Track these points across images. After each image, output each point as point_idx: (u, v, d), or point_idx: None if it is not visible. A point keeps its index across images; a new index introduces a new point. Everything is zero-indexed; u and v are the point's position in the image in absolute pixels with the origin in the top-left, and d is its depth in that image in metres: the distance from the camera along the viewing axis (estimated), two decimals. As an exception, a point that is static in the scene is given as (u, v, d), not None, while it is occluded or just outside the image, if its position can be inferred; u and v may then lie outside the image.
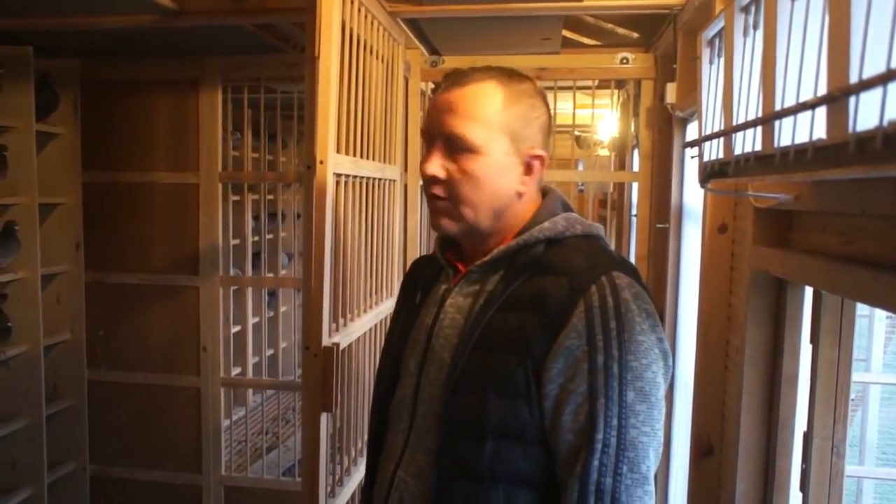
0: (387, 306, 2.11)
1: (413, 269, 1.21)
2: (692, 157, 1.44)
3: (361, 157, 1.84)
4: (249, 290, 3.20)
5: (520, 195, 1.01)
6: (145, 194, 2.82)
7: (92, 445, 2.85)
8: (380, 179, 2.03)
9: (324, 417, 1.56)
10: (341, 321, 1.72)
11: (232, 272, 2.98)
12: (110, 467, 2.89)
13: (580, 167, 5.53)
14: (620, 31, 2.49)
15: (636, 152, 2.81)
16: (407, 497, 0.99)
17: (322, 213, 1.52)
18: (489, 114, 0.97)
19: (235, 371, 3.02)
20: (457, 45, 2.58)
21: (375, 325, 2.05)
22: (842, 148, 0.69)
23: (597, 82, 2.61)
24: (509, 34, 2.42)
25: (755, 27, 1.09)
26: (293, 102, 2.86)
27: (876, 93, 0.61)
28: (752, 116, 1.03)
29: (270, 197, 3.35)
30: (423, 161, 1.00)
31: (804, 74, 0.86)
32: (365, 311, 1.94)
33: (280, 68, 2.66)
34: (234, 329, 3.05)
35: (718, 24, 1.29)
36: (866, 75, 0.64)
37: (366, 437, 1.44)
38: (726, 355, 1.58)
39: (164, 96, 2.79)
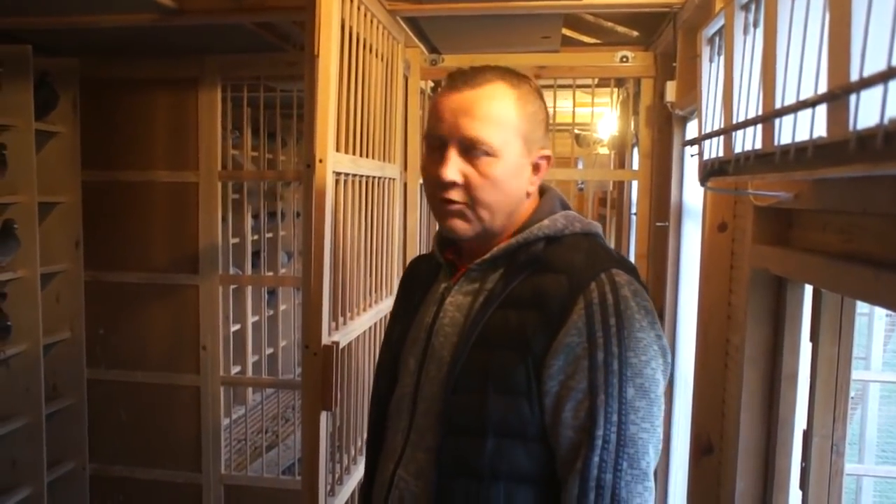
0: (386, 305, 2.11)
1: (411, 268, 1.21)
2: (692, 156, 1.44)
3: (361, 155, 1.83)
4: (249, 289, 3.19)
5: (528, 195, 1.02)
6: (145, 193, 2.82)
7: (92, 444, 2.85)
8: (379, 178, 2.03)
9: (323, 416, 1.56)
10: (341, 319, 1.72)
11: (231, 271, 2.98)
12: (110, 466, 2.89)
13: (580, 165, 5.53)
14: (620, 29, 2.49)
15: (636, 151, 2.81)
16: (407, 496, 0.99)
17: (322, 212, 1.52)
18: (507, 117, 0.96)
19: (235, 370, 3.02)
20: (456, 44, 2.58)
21: (375, 324, 2.05)
22: (842, 146, 0.69)
23: (596, 81, 2.60)
24: (509, 32, 2.42)
25: (755, 25, 1.09)
26: (293, 101, 2.86)
27: (877, 91, 0.61)
28: (752, 114, 1.03)
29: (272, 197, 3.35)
30: (438, 165, 0.96)
31: (804, 72, 0.86)
32: (365, 309, 1.94)
33: (279, 67, 2.66)
34: (234, 328, 3.05)
35: (718, 22, 1.29)
36: (867, 73, 0.64)
37: (365, 436, 1.44)
38: (726, 354, 1.58)
39: (163, 95, 2.78)
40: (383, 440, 1.08)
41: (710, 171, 1.23)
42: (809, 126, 0.78)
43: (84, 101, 2.73)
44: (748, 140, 1.02)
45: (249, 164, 3.02)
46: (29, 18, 2.22)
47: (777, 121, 0.91)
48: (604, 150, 4.22)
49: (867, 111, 0.64)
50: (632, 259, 2.58)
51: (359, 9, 1.74)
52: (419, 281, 1.13)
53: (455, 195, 0.97)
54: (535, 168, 1.01)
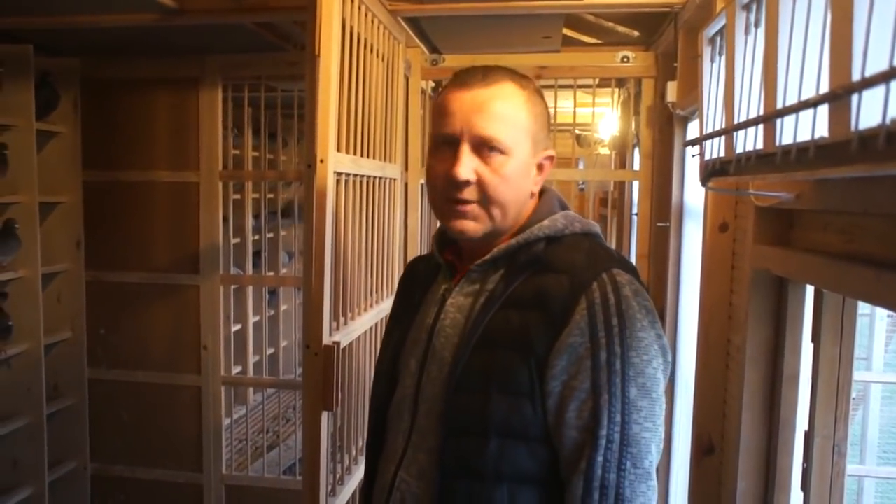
0: (387, 305, 2.10)
1: (410, 269, 1.21)
2: (693, 156, 1.44)
3: (362, 155, 1.83)
4: (250, 289, 3.19)
5: (532, 195, 1.02)
6: (146, 193, 2.82)
7: (93, 444, 2.85)
8: (380, 178, 2.03)
9: (324, 416, 1.56)
10: (342, 320, 1.72)
11: (232, 271, 2.98)
12: (111, 466, 2.89)
13: (581, 166, 5.53)
14: (621, 29, 2.49)
15: (637, 151, 2.80)
16: (409, 497, 0.99)
17: (322, 212, 1.52)
18: (518, 116, 0.97)
19: (236, 370, 3.02)
20: (457, 44, 2.58)
21: (376, 324, 2.05)
22: (844, 146, 0.69)
23: (597, 81, 2.60)
24: (510, 33, 2.42)
25: (756, 25, 1.09)
26: (293, 101, 2.86)
27: (878, 91, 0.61)
28: (753, 115, 1.03)
29: (271, 196, 3.35)
30: (450, 164, 0.95)
31: (806, 72, 0.86)
32: (366, 309, 1.94)
33: (280, 67, 2.66)
34: (235, 328, 3.05)
35: (720, 22, 1.29)
36: (869, 73, 0.64)
37: (365, 438, 1.44)
38: (727, 354, 1.58)
39: (164, 95, 2.78)
40: (383, 442, 1.08)
41: (711, 172, 1.23)
42: (811, 126, 0.78)
43: (85, 100, 2.73)
44: (749, 140, 1.02)
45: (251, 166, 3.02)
46: (30, 18, 2.22)
47: (778, 121, 0.91)
48: (605, 151, 4.22)
49: (869, 111, 0.64)
50: (633, 259, 2.58)
51: (360, 9, 1.74)
52: (418, 282, 1.12)
53: (468, 194, 0.96)
54: (540, 168, 1.02)
